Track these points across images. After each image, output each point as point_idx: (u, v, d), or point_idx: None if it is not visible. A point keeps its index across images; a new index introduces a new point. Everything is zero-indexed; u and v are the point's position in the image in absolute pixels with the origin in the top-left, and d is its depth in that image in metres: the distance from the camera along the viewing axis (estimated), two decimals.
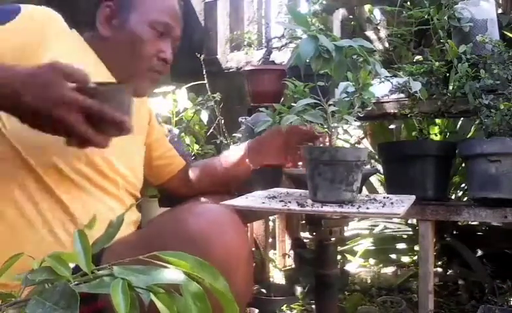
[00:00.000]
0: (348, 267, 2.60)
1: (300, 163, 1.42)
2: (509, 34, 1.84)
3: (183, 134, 2.38)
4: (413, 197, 1.25)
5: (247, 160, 1.42)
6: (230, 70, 3.13)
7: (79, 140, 0.87)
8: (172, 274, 0.51)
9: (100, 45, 1.19)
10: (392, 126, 2.57)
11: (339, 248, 2.47)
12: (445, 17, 1.78)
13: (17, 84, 0.83)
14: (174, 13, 1.26)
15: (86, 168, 1.09)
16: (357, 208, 1.05)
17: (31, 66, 0.86)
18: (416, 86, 1.16)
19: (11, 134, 1.01)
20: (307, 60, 1.06)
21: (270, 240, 2.62)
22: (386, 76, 1.79)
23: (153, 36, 1.20)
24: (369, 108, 1.20)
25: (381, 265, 2.65)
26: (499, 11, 2.24)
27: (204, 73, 2.55)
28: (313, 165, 1.14)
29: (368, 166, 2.75)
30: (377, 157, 2.58)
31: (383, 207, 1.09)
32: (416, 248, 2.47)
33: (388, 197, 1.26)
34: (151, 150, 1.42)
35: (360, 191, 1.45)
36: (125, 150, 1.20)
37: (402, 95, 1.84)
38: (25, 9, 1.05)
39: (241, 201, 1.15)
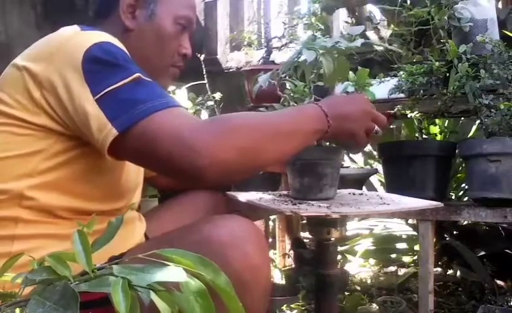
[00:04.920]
0: (348, 267, 2.60)
1: None
2: (509, 33, 1.84)
3: None
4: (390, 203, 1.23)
5: None
6: (230, 70, 3.12)
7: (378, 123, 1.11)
8: (173, 272, 0.51)
9: (123, 37, 1.10)
10: (392, 126, 2.57)
11: (339, 248, 2.47)
12: (445, 17, 1.77)
13: (337, 108, 1.05)
14: (195, 6, 1.23)
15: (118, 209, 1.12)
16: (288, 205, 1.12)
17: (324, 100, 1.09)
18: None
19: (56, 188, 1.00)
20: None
21: (270, 240, 2.62)
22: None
23: (177, 31, 1.17)
24: None
25: (381, 265, 2.65)
26: (500, 5, 2.24)
27: (204, 73, 2.55)
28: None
29: (368, 166, 2.75)
30: (377, 157, 2.58)
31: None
32: (416, 248, 2.47)
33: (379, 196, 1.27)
34: None
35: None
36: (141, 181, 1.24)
37: (402, 95, 1.84)
38: None
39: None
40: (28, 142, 0.97)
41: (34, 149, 0.97)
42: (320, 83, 1.23)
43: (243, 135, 0.93)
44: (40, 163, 0.97)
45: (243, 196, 1.23)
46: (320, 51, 1.10)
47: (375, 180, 2.73)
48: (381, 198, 1.26)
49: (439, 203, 1.20)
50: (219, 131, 0.90)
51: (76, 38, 0.98)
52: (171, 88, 2.52)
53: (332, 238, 1.21)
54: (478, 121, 1.70)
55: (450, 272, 2.41)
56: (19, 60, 1.01)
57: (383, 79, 1.77)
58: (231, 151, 0.89)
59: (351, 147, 1.19)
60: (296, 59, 1.16)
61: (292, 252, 2.41)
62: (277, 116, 1.04)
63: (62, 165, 0.98)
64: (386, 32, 2.19)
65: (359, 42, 1.12)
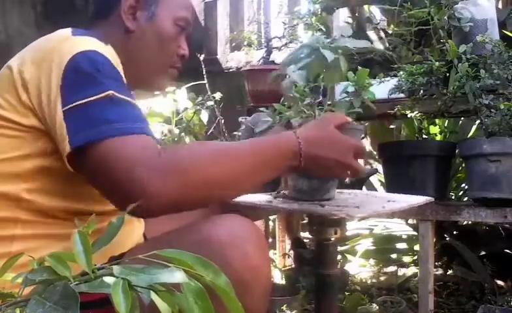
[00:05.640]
0: (348, 267, 2.60)
1: None
2: (509, 33, 1.84)
3: (183, 134, 2.38)
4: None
5: None
6: (230, 70, 3.12)
7: (352, 175, 1.09)
8: (172, 273, 0.51)
9: (124, 39, 1.11)
10: (392, 126, 2.57)
11: (339, 248, 2.47)
12: (445, 17, 1.78)
13: (314, 149, 1.02)
14: (192, 7, 1.23)
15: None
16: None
17: (309, 128, 1.06)
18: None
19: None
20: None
21: (270, 240, 2.62)
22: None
23: (176, 33, 1.17)
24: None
25: (381, 265, 2.65)
26: (500, 5, 2.25)
27: (204, 73, 2.55)
28: None
29: (368, 166, 2.75)
30: (377, 157, 2.58)
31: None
32: (416, 248, 2.47)
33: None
34: None
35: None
36: None
37: (402, 95, 1.84)
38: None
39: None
40: (17, 145, 0.97)
41: (24, 152, 0.97)
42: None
43: (201, 176, 0.91)
44: (32, 166, 0.97)
45: (249, 198, 1.22)
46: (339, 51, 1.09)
47: (375, 180, 2.73)
48: (376, 197, 1.26)
49: (430, 198, 1.22)
50: (175, 171, 0.89)
51: (66, 44, 0.97)
52: (171, 88, 2.52)
53: (332, 238, 1.21)
54: (478, 121, 1.70)
55: (450, 272, 2.41)
56: (12, 62, 1.02)
57: (383, 79, 1.77)
58: (180, 194, 0.89)
59: None
60: (303, 57, 1.15)
61: (292, 252, 2.41)
62: (247, 151, 1.00)
63: (54, 168, 0.98)
64: (386, 32, 2.19)
65: (363, 43, 1.13)
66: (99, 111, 0.90)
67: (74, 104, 0.90)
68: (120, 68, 1.01)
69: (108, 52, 0.99)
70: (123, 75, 1.01)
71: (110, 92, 0.92)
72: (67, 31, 1.01)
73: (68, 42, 0.97)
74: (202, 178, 0.91)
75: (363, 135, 1.25)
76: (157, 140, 0.97)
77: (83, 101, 0.90)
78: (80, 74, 0.93)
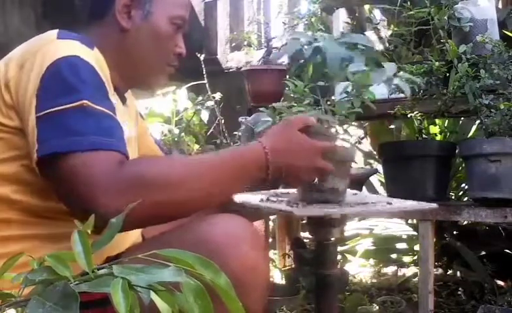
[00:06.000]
0: (348, 267, 2.60)
1: None
2: (509, 33, 1.84)
3: (183, 134, 2.39)
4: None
5: None
6: (230, 70, 3.12)
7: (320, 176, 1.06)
8: (172, 272, 0.51)
9: (119, 38, 1.11)
10: (392, 126, 2.57)
11: (339, 248, 2.47)
12: (445, 17, 1.78)
13: (282, 159, 1.01)
14: (188, 5, 1.22)
15: None
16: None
17: (274, 136, 1.04)
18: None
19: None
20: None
21: (270, 240, 2.62)
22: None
23: (172, 31, 1.15)
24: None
25: (381, 265, 2.65)
26: (500, 5, 2.25)
27: (204, 73, 2.55)
28: None
29: (368, 166, 2.75)
30: (377, 157, 2.58)
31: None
32: (416, 248, 2.47)
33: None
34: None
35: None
36: None
37: (402, 95, 1.84)
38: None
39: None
40: (3, 147, 0.97)
41: (10, 154, 0.97)
42: (321, 82, 1.23)
43: (161, 196, 0.90)
44: (19, 167, 0.97)
45: (256, 199, 1.21)
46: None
47: (375, 180, 2.73)
48: (366, 196, 1.26)
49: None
50: (133, 191, 0.87)
51: (49, 47, 0.96)
52: (171, 88, 2.52)
53: (332, 238, 1.21)
54: (478, 121, 1.70)
55: (450, 272, 2.41)
56: (0, 62, 1.01)
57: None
58: (136, 213, 0.82)
59: None
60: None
61: (292, 252, 2.41)
62: (212, 168, 0.99)
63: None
64: (386, 32, 2.19)
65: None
66: (70, 121, 0.90)
67: (47, 111, 0.90)
68: (106, 73, 1.01)
69: (93, 57, 0.98)
70: (109, 81, 1.01)
71: (84, 101, 0.91)
72: (53, 33, 1.00)
73: (51, 45, 0.97)
74: (162, 198, 0.90)
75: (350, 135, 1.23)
76: (127, 154, 0.94)
77: (56, 109, 0.90)
78: (58, 80, 0.92)
